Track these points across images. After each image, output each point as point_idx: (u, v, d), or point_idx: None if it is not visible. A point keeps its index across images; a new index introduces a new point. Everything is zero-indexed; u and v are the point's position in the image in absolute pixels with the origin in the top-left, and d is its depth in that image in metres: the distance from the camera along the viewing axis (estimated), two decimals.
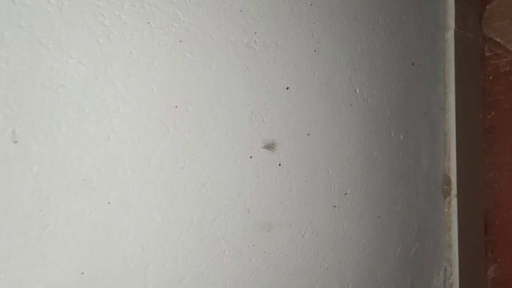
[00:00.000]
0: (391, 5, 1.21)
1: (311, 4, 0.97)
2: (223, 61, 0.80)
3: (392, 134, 1.20)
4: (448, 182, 1.40)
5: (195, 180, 0.75)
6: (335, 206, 1.01)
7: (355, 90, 1.08)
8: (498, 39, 1.52)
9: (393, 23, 1.22)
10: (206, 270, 0.76)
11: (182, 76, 0.74)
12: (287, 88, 0.91)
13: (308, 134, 0.95)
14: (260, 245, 0.84)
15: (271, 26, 0.88)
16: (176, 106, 0.73)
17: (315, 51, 0.98)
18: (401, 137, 1.24)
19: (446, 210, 1.39)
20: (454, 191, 1.38)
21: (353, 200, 1.05)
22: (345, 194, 1.04)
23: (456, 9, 1.43)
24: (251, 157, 0.83)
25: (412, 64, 1.30)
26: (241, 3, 0.83)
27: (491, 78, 1.52)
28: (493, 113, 1.52)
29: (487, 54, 1.54)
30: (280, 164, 0.89)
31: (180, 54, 0.74)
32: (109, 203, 0.65)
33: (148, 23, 0.71)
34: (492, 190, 1.51)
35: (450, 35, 1.42)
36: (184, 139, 0.75)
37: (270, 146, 0.88)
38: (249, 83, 0.84)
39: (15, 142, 0.56)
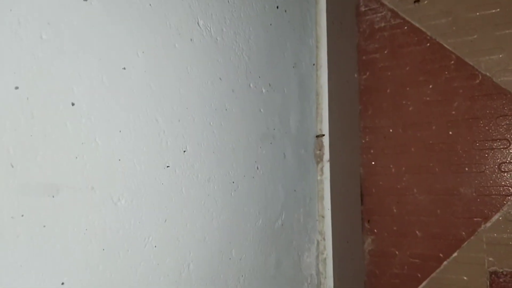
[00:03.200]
0: None
1: None
2: None
3: (251, 85, 1.01)
4: (320, 146, 1.25)
5: None
6: (168, 166, 0.78)
7: (198, 23, 0.86)
8: None
9: None
10: None
11: None
12: (86, 0, 0.66)
13: (124, 68, 0.71)
14: (35, 217, 0.58)
15: None
16: None
17: None
18: (264, 90, 1.05)
19: (319, 177, 1.24)
20: (326, 156, 1.24)
21: (195, 160, 0.84)
22: (184, 151, 0.81)
23: None
24: (16, 88, 0.57)
25: (277, 7, 1.12)
26: None
27: (366, 35, 1.41)
28: (368, 73, 1.40)
29: (362, 9, 1.42)
30: (73, 104, 0.63)
31: None
32: None
33: None
34: (368, 155, 1.40)
35: None
36: None
37: None
38: None
39: None
